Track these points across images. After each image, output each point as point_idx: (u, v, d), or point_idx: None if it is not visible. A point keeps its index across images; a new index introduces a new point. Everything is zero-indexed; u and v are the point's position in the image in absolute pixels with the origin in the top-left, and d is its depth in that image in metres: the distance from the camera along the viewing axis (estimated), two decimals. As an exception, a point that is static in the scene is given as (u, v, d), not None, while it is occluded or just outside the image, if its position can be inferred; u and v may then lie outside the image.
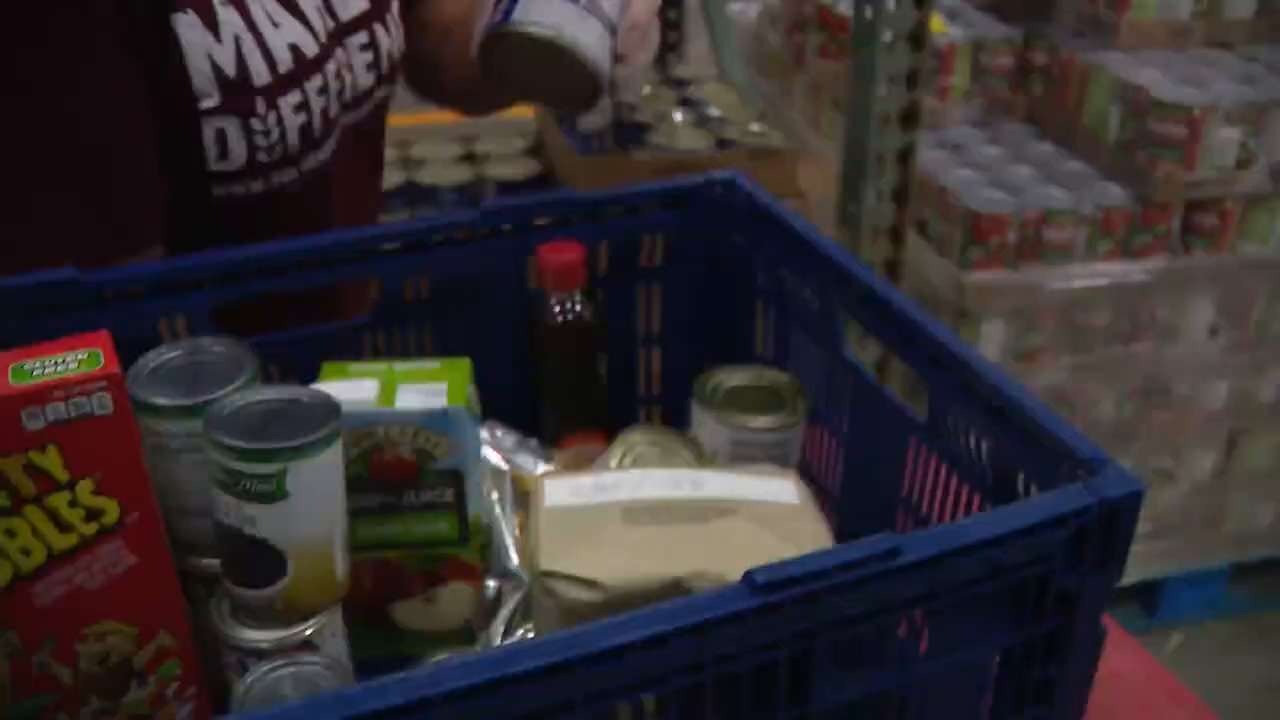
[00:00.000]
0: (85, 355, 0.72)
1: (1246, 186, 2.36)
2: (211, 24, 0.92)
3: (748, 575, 0.55)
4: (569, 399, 0.95)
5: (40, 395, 0.70)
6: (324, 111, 1.00)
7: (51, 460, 0.72)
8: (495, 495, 0.91)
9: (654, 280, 0.99)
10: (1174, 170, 2.27)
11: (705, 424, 0.90)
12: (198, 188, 0.94)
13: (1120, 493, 0.64)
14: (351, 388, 0.84)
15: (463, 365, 0.89)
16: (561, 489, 0.75)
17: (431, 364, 0.89)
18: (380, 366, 0.88)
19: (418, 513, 0.88)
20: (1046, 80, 2.62)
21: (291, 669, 0.77)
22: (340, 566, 0.83)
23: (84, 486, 0.74)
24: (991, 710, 0.69)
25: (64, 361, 0.72)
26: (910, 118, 2.05)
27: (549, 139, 2.45)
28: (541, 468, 0.94)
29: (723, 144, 2.30)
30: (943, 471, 0.82)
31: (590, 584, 0.69)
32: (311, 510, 0.78)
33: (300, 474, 0.76)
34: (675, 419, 1.00)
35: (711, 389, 0.92)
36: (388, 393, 0.84)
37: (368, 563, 0.88)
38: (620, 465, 0.85)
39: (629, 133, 2.30)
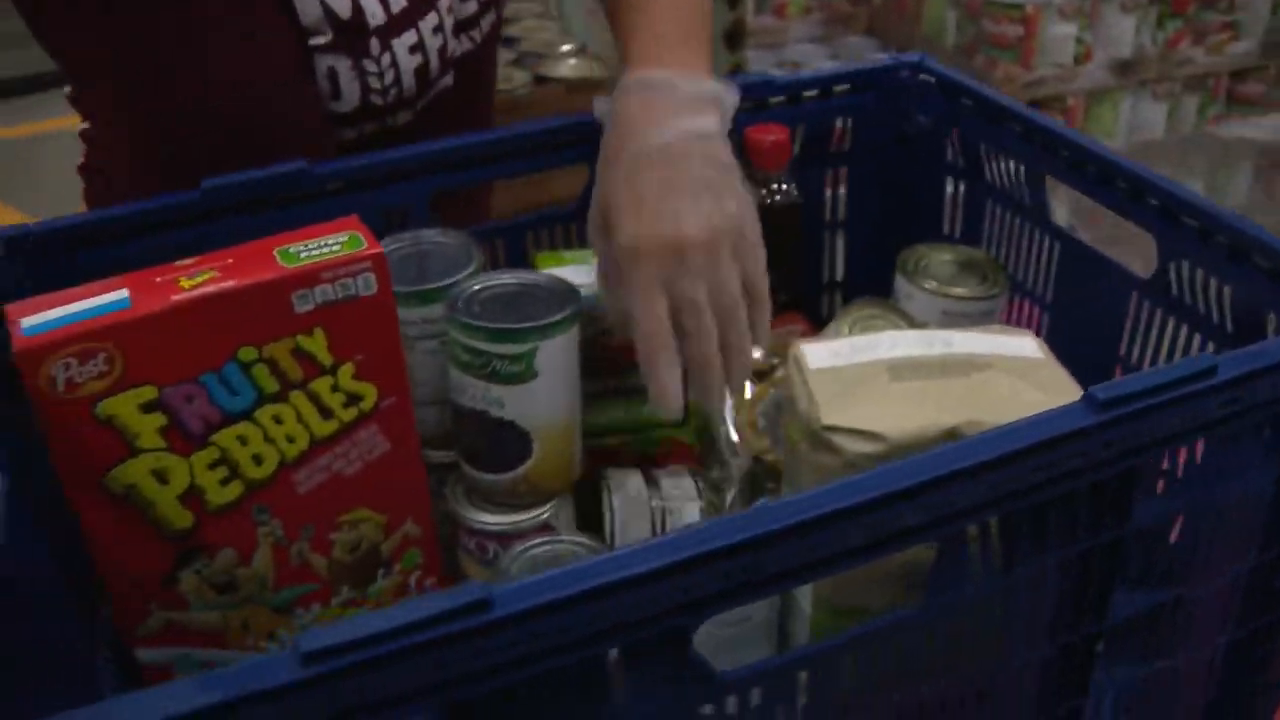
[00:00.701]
0: (345, 238, 0.73)
1: (1086, 82, 2.34)
2: None
3: (1088, 393, 0.56)
4: (772, 280, 0.95)
5: (310, 277, 0.71)
6: (440, 50, 0.97)
7: (318, 344, 0.73)
8: (708, 379, 0.91)
9: (840, 164, 0.99)
10: (1013, 70, 2.25)
11: (914, 296, 0.91)
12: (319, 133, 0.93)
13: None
14: (574, 273, 0.84)
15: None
16: (821, 352, 0.76)
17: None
18: (591, 253, 0.88)
19: (639, 395, 0.88)
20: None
21: (548, 548, 0.78)
22: (577, 449, 0.84)
23: (345, 371, 0.74)
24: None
25: (327, 244, 0.72)
26: (735, 36, 2.04)
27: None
28: (747, 350, 0.94)
29: (539, 80, 2.29)
30: (1169, 326, 0.82)
31: (872, 436, 0.70)
32: (556, 390, 0.79)
33: (547, 354, 0.77)
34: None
35: (916, 264, 0.92)
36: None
37: (589, 450, 0.89)
38: (850, 334, 0.86)
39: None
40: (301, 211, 0.81)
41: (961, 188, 0.97)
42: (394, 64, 0.93)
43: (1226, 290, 0.76)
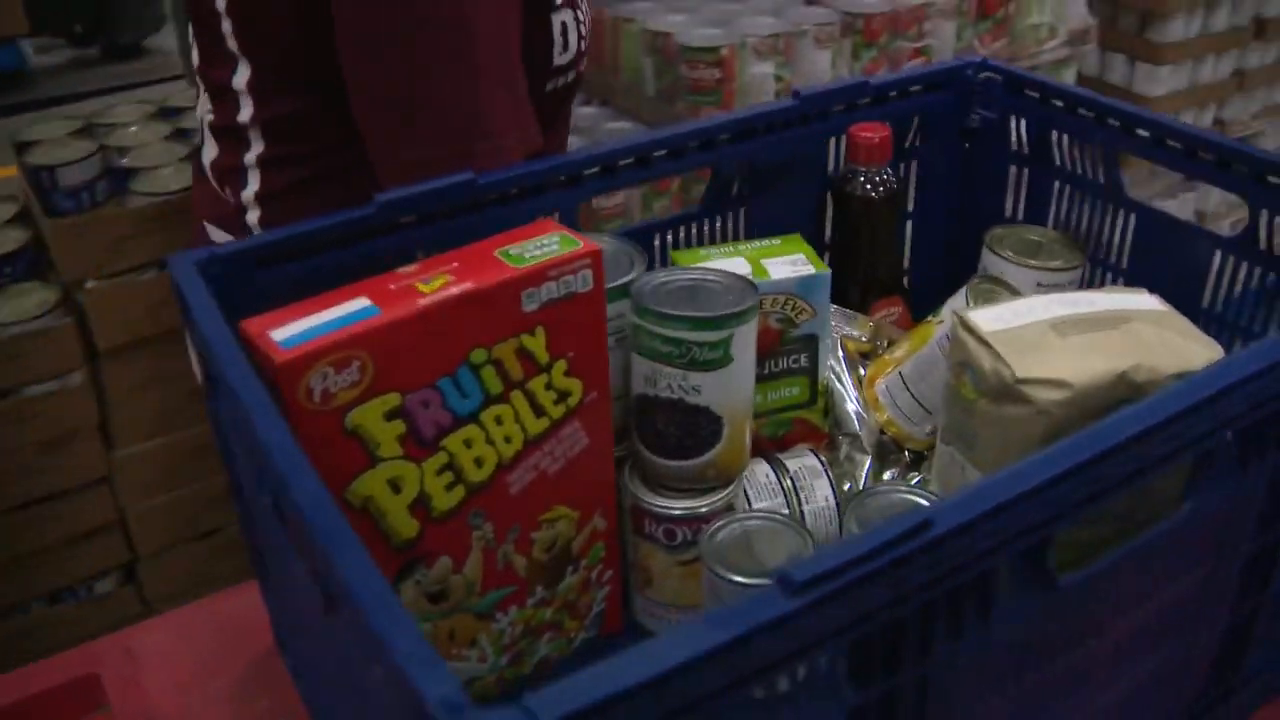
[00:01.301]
0: (558, 238, 0.75)
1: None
2: None
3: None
4: (875, 266, 1.01)
5: (538, 276, 0.73)
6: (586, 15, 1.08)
7: (538, 342, 0.75)
8: (830, 361, 0.96)
9: (912, 158, 1.06)
10: (715, 114, 2.19)
11: (1008, 271, 0.98)
12: (536, 84, 1.01)
13: None
14: (726, 266, 0.88)
15: (797, 239, 0.94)
16: (988, 317, 0.81)
17: (772, 241, 0.93)
18: (729, 248, 0.92)
19: (775, 379, 0.92)
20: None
21: (741, 525, 0.81)
22: (751, 432, 0.87)
23: (558, 368, 0.77)
24: None
25: (544, 244, 0.74)
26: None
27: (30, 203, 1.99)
28: (855, 332, 0.99)
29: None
30: (1255, 277, 0.91)
31: (1060, 384, 0.76)
32: (744, 375, 0.83)
33: (740, 340, 0.81)
34: (930, 283, 1.07)
35: (1005, 242, 1.00)
36: (758, 268, 0.89)
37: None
38: (974, 305, 0.92)
39: (117, 180, 1.93)
40: (467, 220, 0.83)
41: (1025, 174, 1.05)
42: (587, 13, 1.07)
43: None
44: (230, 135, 1.07)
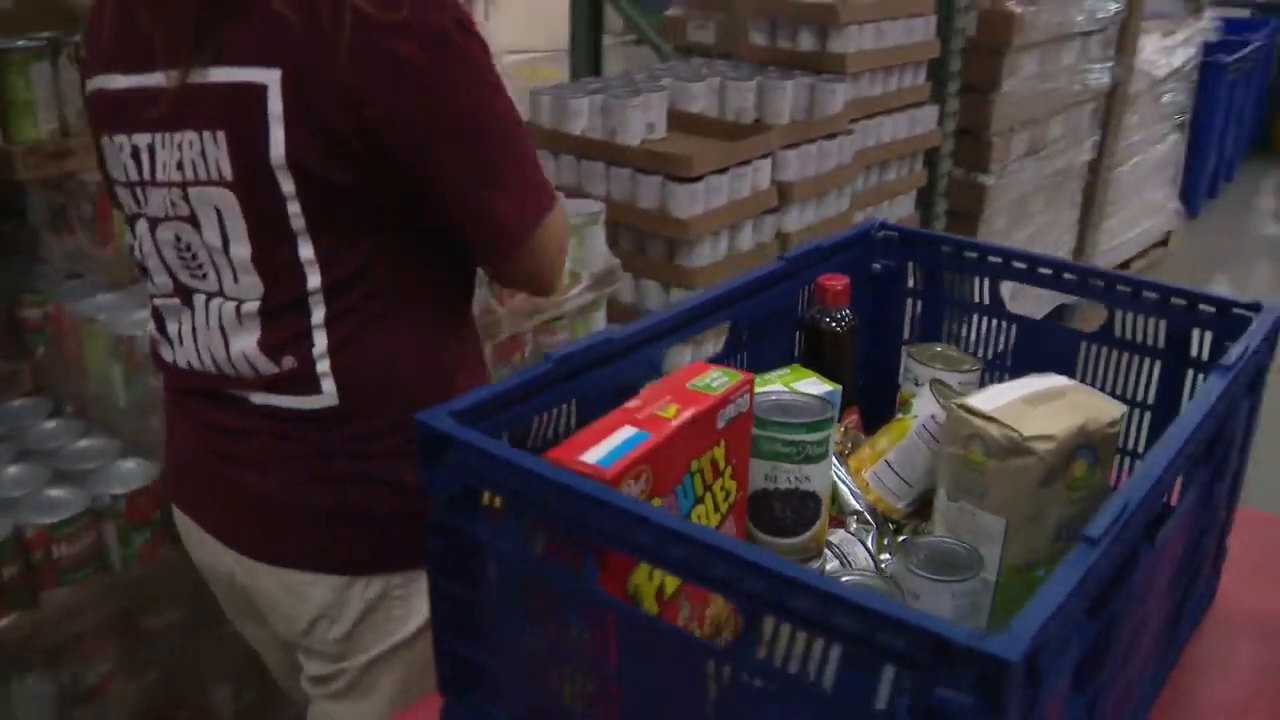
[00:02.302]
0: (720, 372, 0.99)
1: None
2: None
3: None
4: (841, 386, 1.30)
5: (725, 400, 0.96)
6: None
7: (720, 453, 0.98)
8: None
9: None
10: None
11: (937, 374, 1.30)
12: None
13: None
14: (806, 385, 1.15)
15: (799, 369, 1.22)
16: (982, 400, 1.11)
17: (783, 371, 1.21)
18: (768, 377, 1.19)
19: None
20: (47, 339, 2.12)
21: (850, 578, 1.06)
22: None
23: (727, 472, 1.00)
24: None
25: (716, 378, 0.98)
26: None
27: None
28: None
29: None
30: (1115, 360, 1.28)
31: (1049, 437, 1.07)
32: (830, 466, 1.09)
33: (828, 438, 1.07)
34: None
35: (925, 354, 1.32)
36: (794, 389, 1.16)
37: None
38: (942, 400, 1.22)
39: None
40: (604, 370, 1.04)
41: (920, 304, 1.38)
42: None
43: (1162, 324, 1.23)
44: (287, 310, 1.22)
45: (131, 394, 1.95)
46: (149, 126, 1.21)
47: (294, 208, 1.17)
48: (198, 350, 1.28)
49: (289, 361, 1.23)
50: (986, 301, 1.35)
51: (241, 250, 1.20)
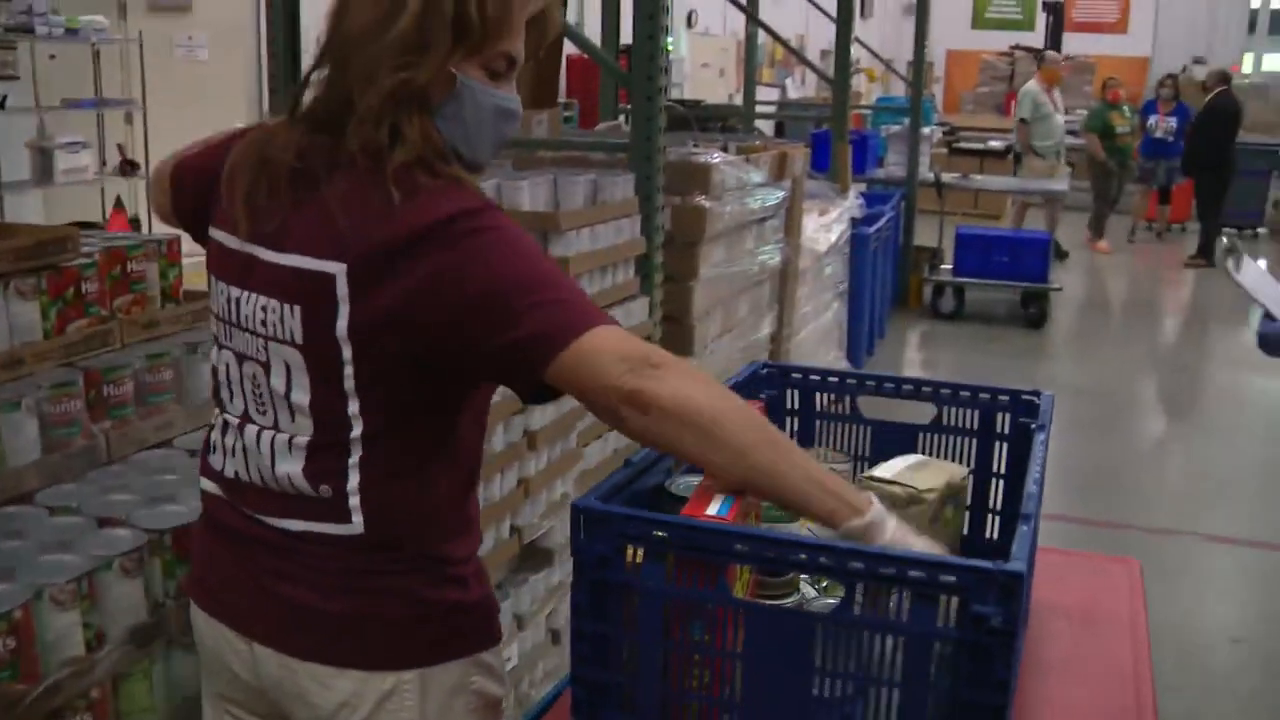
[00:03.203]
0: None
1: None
2: None
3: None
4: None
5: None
6: None
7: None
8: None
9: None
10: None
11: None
12: None
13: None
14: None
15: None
16: (882, 472, 1.63)
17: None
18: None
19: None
20: None
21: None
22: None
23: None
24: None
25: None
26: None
27: None
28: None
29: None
30: (942, 442, 1.83)
31: (933, 489, 1.62)
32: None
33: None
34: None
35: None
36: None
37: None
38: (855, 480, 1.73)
39: None
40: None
41: (799, 420, 1.90)
42: None
43: (974, 413, 1.80)
44: (331, 448, 1.46)
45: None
46: (242, 283, 1.49)
47: (349, 370, 1.42)
48: (247, 465, 1.53)
49: (325, 490, 1.47)
50: (847, 413, 1.89)
51: (301, 398, 1.46)
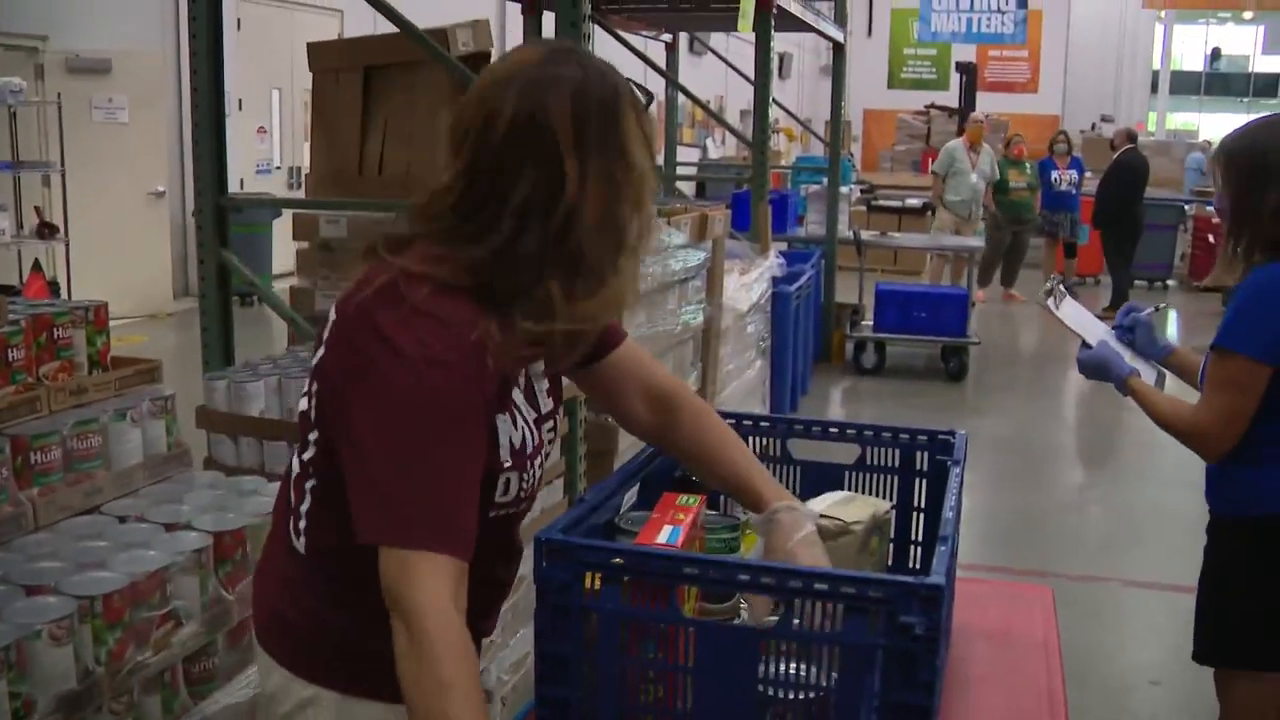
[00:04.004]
0: (686, 497, 1.59)
1: None
2: (512, 419, 1.52)
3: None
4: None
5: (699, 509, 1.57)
6: (541, 467, 1.60)
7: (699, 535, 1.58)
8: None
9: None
10: None
11: (766, 505, 1.95)
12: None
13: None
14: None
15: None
16: (816, 506, 1.77)
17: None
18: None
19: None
20: None
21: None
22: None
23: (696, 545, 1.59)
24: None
25: (688, 498, 1.58)
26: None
27: None
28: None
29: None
30: (868, 479, 1.98)
31: (860, 521, 1.76)
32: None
33: (735, 539, 1.69)
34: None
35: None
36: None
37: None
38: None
39: None
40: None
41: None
42: (534, 474, 1.58)
43: (896, 452, 1.95)
44: (298, 493, 1.58)
45: None
46: None
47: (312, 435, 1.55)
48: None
49: (298, 502, 1.59)
50: (778, 454, 2.02)
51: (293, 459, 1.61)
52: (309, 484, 1.57)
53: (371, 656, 1.47)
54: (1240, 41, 31.47)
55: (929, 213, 12.58)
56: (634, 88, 1.54)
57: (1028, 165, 12.29)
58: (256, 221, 10.30)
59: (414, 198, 1.51)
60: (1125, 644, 4.34)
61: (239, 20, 10.62)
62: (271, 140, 12.25)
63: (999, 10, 20.70)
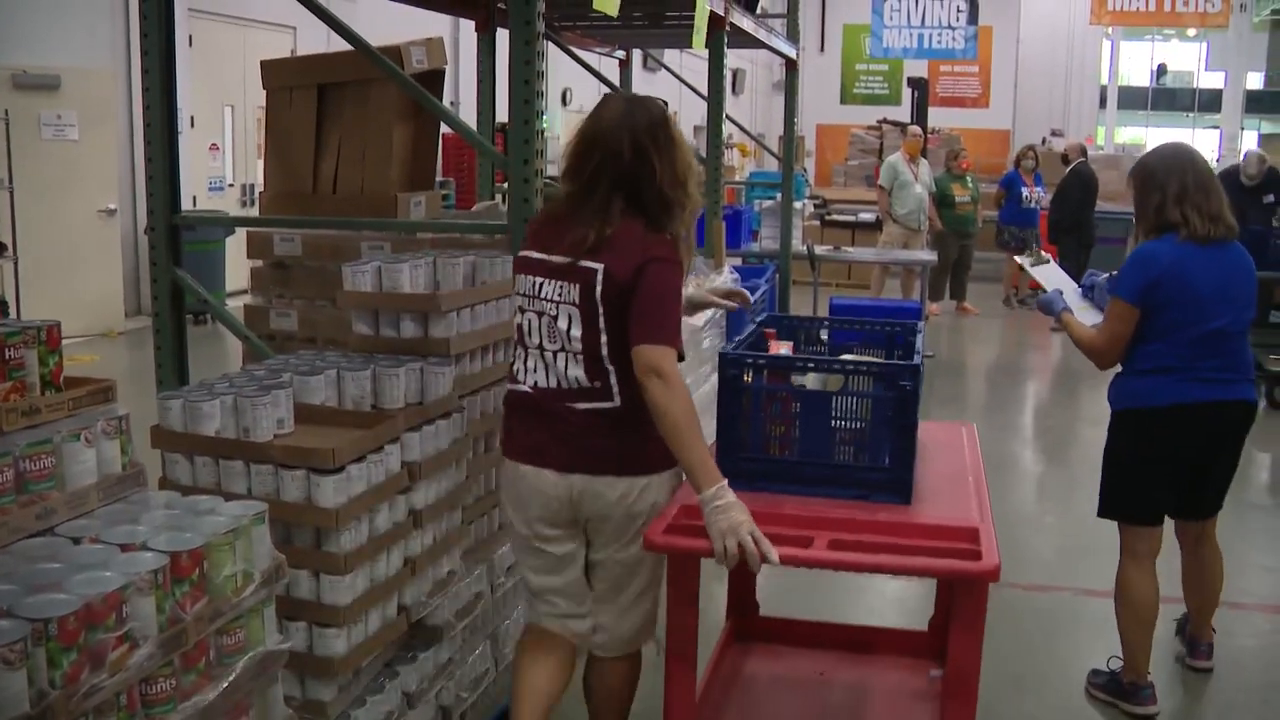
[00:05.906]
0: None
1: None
2: None
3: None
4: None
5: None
6: None
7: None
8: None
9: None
10: None
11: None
12: None
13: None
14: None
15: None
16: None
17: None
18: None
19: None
20: None
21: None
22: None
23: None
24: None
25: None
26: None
27: None
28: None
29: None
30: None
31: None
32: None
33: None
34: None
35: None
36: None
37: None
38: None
39: None
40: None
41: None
42: None
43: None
44: (595, 358, 2.86)
45: None
46: (541, 275, 2.91)
47: (602, 321, 2.83)
48: (546, 375, 2.90)
49: (597, 383, 2.86)
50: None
51: (576, 332, 2.86)
52: (603, 349, 2.83)
53: (655, 438, 2.76)
54: (1185, 58, 31.92)
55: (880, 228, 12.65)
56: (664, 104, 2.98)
57: (969, 179, 12.39)
58: (209, 239, 10.20)
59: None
60: (1080, 651, 4.38)
61: (190, 36, 10.53)
62: (224, 157, 12.12)
63: (950, 26, 20.94)
